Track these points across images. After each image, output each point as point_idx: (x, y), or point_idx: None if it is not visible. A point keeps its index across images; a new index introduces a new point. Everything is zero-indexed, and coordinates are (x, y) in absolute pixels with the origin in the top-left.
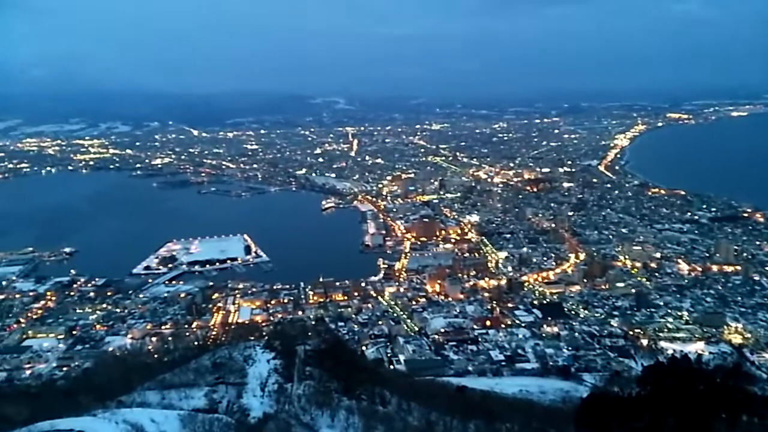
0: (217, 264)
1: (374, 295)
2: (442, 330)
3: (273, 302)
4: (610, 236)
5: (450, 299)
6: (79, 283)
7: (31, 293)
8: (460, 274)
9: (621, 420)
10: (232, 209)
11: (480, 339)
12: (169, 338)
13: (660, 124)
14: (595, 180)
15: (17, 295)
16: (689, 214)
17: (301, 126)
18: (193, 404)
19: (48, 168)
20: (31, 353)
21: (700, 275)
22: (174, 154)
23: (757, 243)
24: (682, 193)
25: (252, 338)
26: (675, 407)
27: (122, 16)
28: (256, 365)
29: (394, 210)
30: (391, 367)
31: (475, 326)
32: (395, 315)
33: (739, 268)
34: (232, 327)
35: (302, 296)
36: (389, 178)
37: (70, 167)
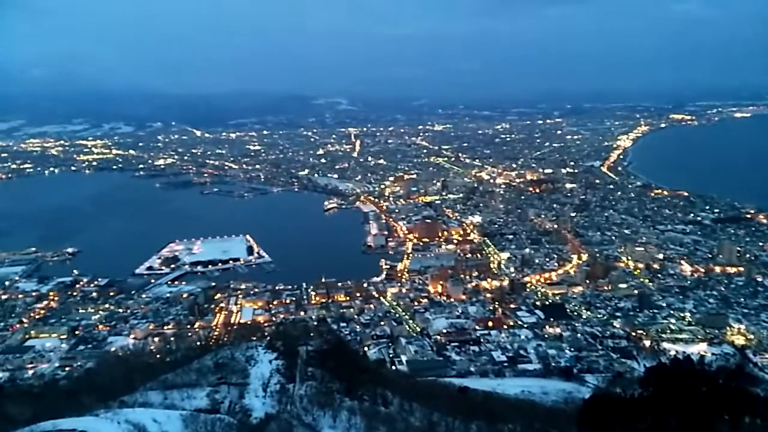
0: (220, 264)
1: (376, 295)
2: (444, 331)
3: (275, 303)
4: (613, 237)
5: (452, 300)
6: (81, 283)
7: (33, 293)
8: (462, 275)
9: (623, 421)
10: (234, 210)
11: (482, 340)
12: (172, 338)
13: (663, 125)
14: (597, 181)
15: (20, 295)
16: (692, 215)
17: (303, 127)
18: (195, 404)
19: (51, 168)
20: (34, 353)
21: (702, 276)
22: (177, 154)
23: (760, 244)
24: (685, 194)
25: (254, 339)
26: (677, 408)
27: (123, 16)
28: (258, 366)
29: (397, 211)
30: (393, 367)
31: (477, 327)
32: (397, 316)
33: (742, 269)
34: (235, 327)
35: (304, 297)
36: (391, 178)
37: (73, 168)
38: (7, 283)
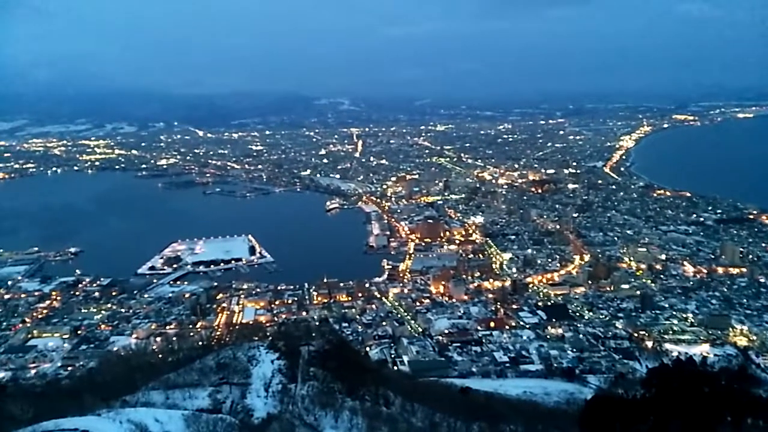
0: (222, 264)
1: (378, 296)
2: (446, 331)
3: (277, 303)
4: (615, 238)
5: (454, 300)
6: (84, 283)
7: (36, 293)
8: (464, 276)
9: (625, 422)
10: (236, 210)
11: (484, 340)
12: (174, 338)
13: (666, 126)
14: (600, 181)
15: (22, 295)
16: (695, 215)
17: (305, 127)
18: (197, 404)
19: (54, 168)
20: (36, 353)
21: (705, 277)
22: (179, 154)
23: (763, 245)
24: (688, 194)
25: (256, 339)
26: (680, 410)
27: (126, 17)
28: (260, 366)
29: (399, 211)
30: (395, 368)
31: (479, 327)
32: (399, 316)
33: (744, 270)
34: (237, 327)
35: (306, 297)
36: (394, 179)
37: (75, 167)
38: (9, 282)
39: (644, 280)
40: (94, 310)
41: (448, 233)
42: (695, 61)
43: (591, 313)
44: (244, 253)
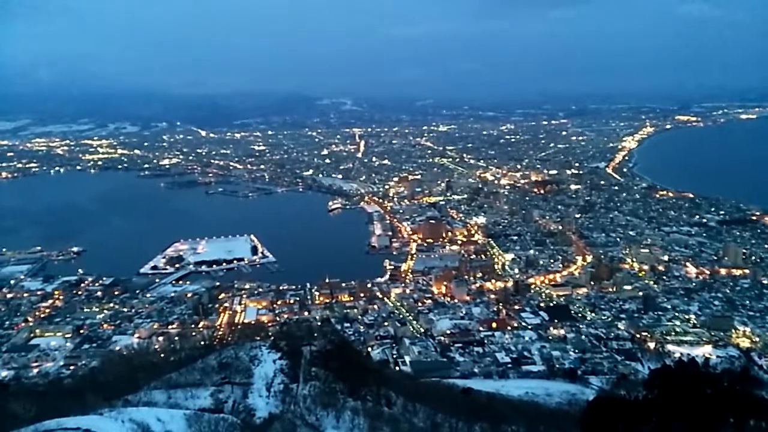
0: (224, 264)
1: (380, 296)
2: (448, 331)
3: (279, 303)
4: (618, 239)
5: (456, 301)
6: (86, 282)
7: (38, 292)
8: (466, 276)
9: (627, 423)
10: (239, 210)
11: (486, 341)
12: (176, 338)
13: (668, 127)
14: (602, 182)
15: (25, 294)
16: (697, 216)
17: (308, 127)
18: (199, 404)
19: (57, 168)
20: (39, 352)
21: (707, 278)
22: (182, 154)
23: (766, 246)
24: (691, 195)
25: (258, 338)
26: (682, 411)
27: (128, 17)
28: (262, 365)
29: (401, 211)
30: (397, 368)
31: (481, 328)
32: (401, 316)
33: (747, 271)
34: (239, 327)
35: (308, 297)
36: (396, 179)
37: (78, 167)
38: (12, 281)
39: (647, 281)
40: (97, 309)
41: (450, 234)
42: (696, 62)
43: (593, 314)
44: (246, 253)
